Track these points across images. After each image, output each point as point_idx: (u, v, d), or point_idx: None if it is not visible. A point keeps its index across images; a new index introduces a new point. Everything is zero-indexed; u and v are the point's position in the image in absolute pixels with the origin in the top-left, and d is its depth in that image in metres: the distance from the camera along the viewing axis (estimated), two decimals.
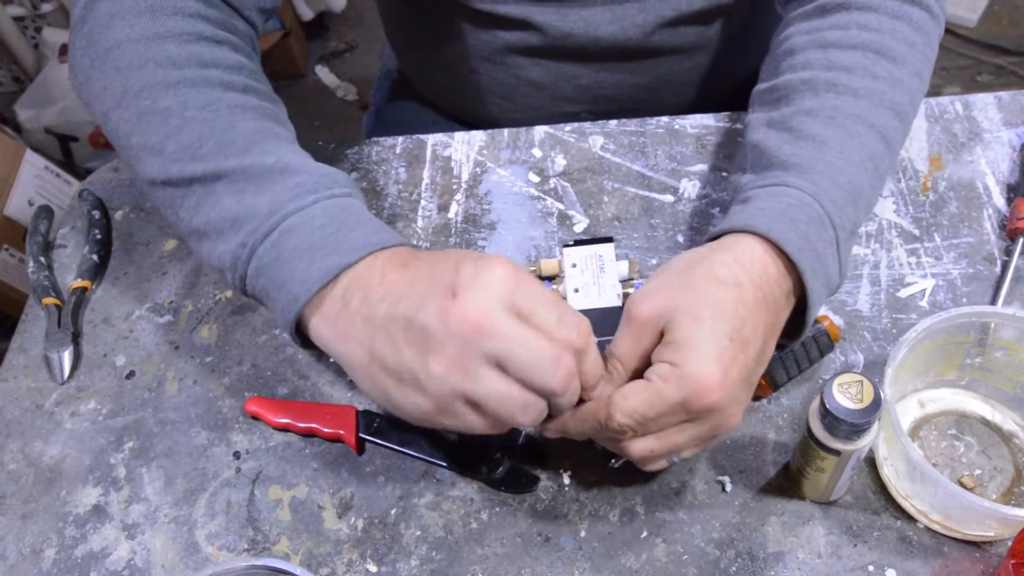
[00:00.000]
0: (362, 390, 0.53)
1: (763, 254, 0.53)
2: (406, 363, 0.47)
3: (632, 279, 0.66)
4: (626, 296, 0.65)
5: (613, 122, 0.80)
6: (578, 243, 0.67)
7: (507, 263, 0.47)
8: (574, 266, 0.65)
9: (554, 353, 0.46)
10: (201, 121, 0.55)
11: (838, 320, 0.66)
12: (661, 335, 0.50)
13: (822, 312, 0.66)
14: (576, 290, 0.63)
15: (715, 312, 0.49)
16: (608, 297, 0.63)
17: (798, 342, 0.60)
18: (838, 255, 0.55)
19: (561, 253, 0.68)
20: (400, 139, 0.81)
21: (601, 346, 0.59)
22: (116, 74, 0.57)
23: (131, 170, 0.59)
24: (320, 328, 0.51)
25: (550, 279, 0.69)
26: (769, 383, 0.61)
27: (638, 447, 0.51)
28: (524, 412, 0.47)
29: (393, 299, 0.48)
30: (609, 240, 0.67)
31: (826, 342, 0.62)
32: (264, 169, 0.54)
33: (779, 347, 0.60)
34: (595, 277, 0.64)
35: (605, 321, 0.61)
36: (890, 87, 0.60)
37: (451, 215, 0.75)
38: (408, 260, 0.51)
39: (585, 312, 0.61)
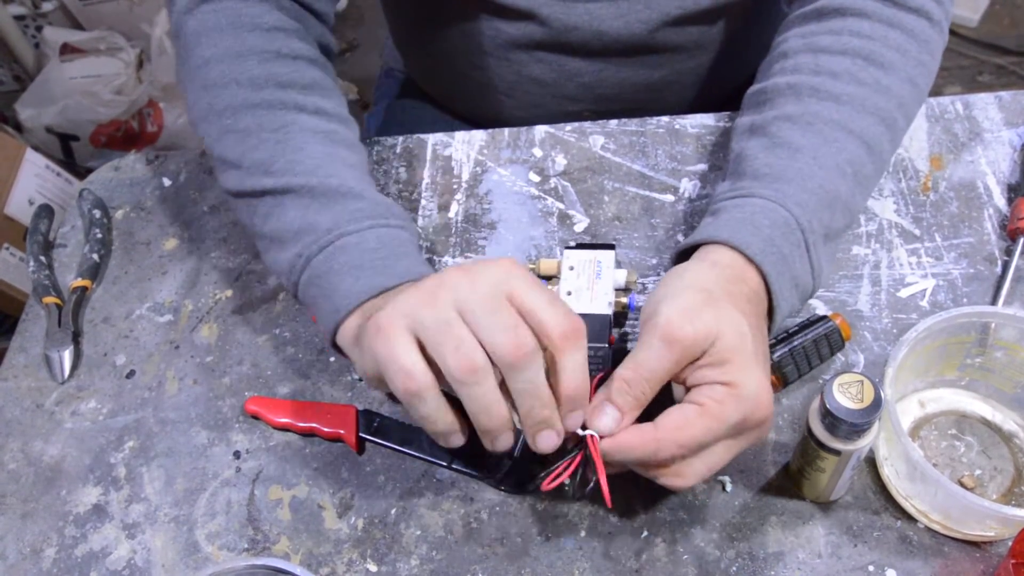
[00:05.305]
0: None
1: (744, 264, 0.54)
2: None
3: (628, 289, 0.66)
4: (619, 305, 0.64)
5: (613, 122, 0.80)
6: (580, 246, 0.67)
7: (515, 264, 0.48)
8: (571, 269, 0.65)
9: (515, 320, 0.46)
10: (275, 142, 0.61)
11: None
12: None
13: (834, 310, 0.66)
14: (569, 293, 0.63)
15: (749, 330, 0.50)
16: (599, 304, 0.62)
17: (809, 339, 0.60)
18: (808, 257, 0.56)
19: (562, 254, 0.68)
20: (400, 139, 0.81)
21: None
22: (204, 91, 0.63)
23: (216, 177, 0.65)
24: (345, 332, 0.55)
25: (547, 279, 0.69)
26: (780, 379, 0.61)
27: (693, 476, 0.49)
28: (402, 383, 0.47)
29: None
30: (611, 247, 0.66)
31: (837, 340, 0.62)
32: (329, 190, 0.59)
33: (788, 342, 0.60)
34: (590, 283, 0.64)
35: (592, 328, 0.60)
36: (874, 93, 0.61)
37: (451, 215, 0.75)
38: None
39: None
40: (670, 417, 0.48)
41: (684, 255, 0.58)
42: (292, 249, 0.58)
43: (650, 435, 0.48)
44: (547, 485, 0.50)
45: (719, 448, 0.50)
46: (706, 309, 0.49)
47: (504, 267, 0.47)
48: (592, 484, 0.51)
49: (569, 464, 0.50)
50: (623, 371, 0.49)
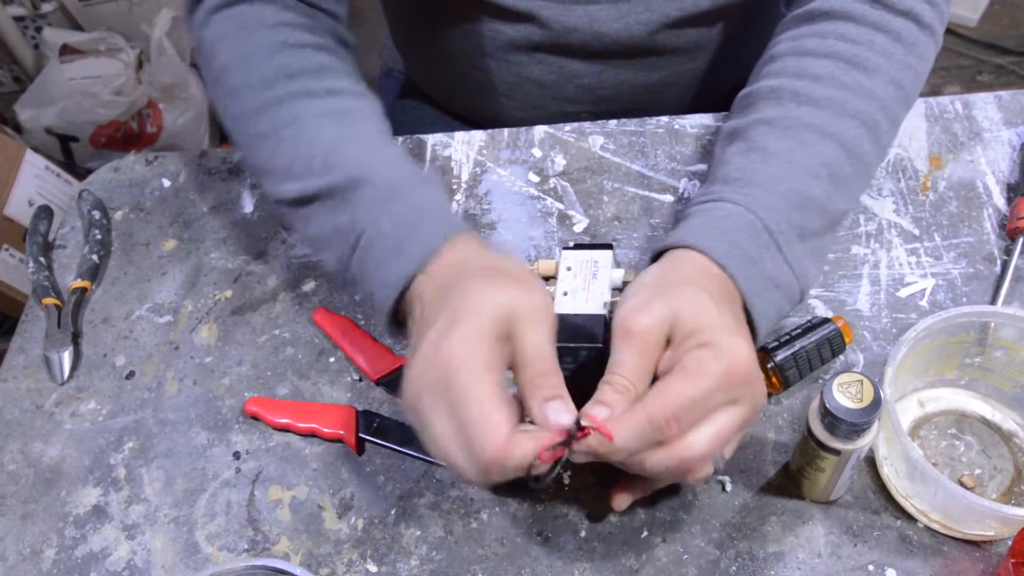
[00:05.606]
0: None
1: (709, 264, 0.55)
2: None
3: (624, 289, 0.66)
4: (613, 305, 0.64)
5: (613, 122, 0.80)
6: (578, 247, 0.67)
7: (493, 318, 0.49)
8: (568, 269, 0.65)
9: (484, 423, 0.47)
10: (290, 140, 0.61)
11: None
12: (664, 346, 0.50)
13: (833, 310, 0.66)
14: (565, 293, 0.63)
15: (713, 304, 0.51)
16: (594, 304, 0.62)
17: (811, 342, 0.61)
18: (784, 257, 0.56)
19: (560, 254, 0.68)
20: (400, 139, 0.81)
21: (576, 352, 0.59)
22: (227, 98, 0.65)
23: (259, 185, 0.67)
24: (396, 327, 0.57)
25: (546, 279, 0.69)
26: (781, 382, 0.61)
27: (700, 443, 0.49)
28: (458, 458, 0.49)
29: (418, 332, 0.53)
30: (608, 247, 0.66)
31: (839, 342, 0.62)
32: (340, 187, 0.59)
33: (790, 345, 0.61)
34: (586, 283, 0.64)
35: (585, 327, 0.61)
36: (855, 96, 0.61)
37: None
38: (447, 281, 0.53)
39: (568, 317, 0.61)
40: (655, 387, 0.49)
41: (658, 259, 0.59)
42: (334, 253, 0.60)
43: (639, 408, 0.48)
44: (543, 460, 0.50)
45: (718, 416, 0.49)
46: (657, 299, 0.51)
47: (472, 339, 0.48)
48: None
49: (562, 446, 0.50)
50: (605, 374, 0.51)
